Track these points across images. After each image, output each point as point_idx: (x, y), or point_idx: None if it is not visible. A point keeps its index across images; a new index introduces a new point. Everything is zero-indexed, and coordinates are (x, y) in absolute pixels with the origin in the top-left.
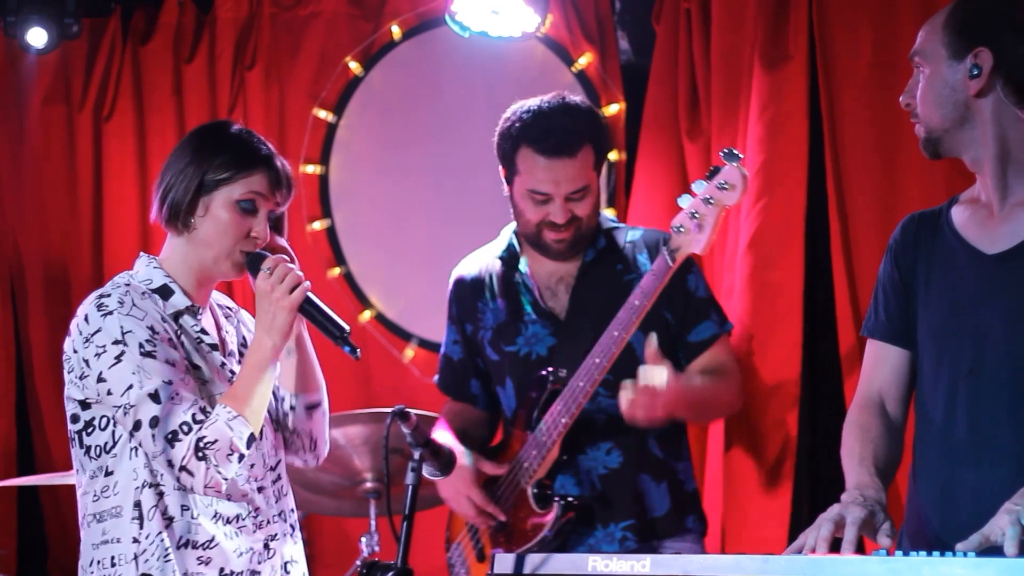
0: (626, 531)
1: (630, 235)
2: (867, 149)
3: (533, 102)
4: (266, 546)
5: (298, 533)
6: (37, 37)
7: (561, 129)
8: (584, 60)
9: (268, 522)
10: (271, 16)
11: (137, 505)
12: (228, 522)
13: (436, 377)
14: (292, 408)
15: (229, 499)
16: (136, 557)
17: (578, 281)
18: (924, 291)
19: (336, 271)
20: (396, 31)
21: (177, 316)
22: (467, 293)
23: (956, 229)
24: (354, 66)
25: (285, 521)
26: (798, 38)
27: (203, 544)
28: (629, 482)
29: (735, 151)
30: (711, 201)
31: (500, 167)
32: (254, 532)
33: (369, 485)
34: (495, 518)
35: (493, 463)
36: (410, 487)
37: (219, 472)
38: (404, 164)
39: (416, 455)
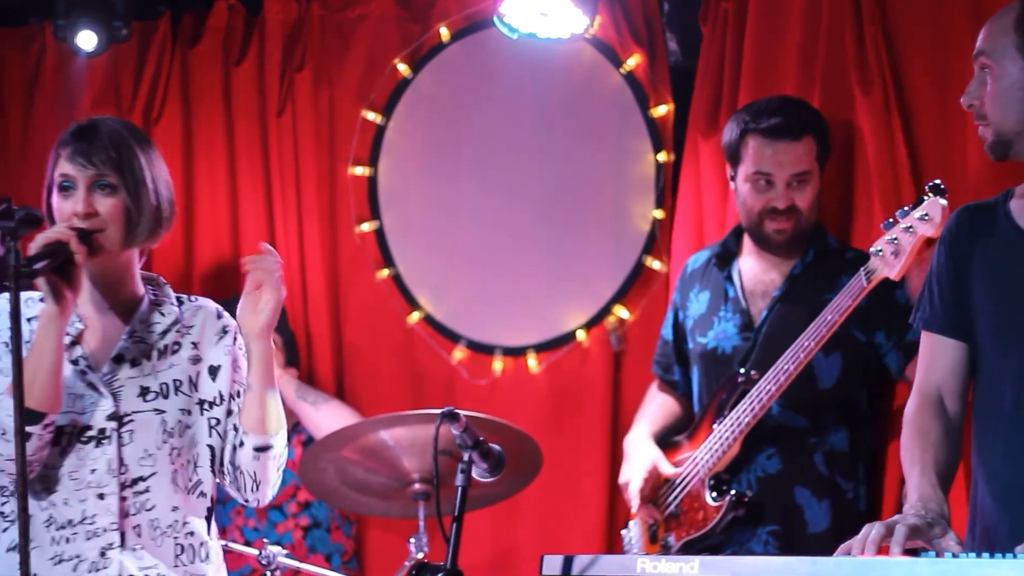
0: (770, 535)
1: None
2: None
3: (761, 99)
4: (103, 554)
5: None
6: (87, 40)
7: (786, 114)
8: (632, 61)
9: (105, 530)
10: (320, 18)
11: None
12: (60, 527)
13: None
14: (240, 444)
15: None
16: None
17: (781, 291)
18: (982, 283)
19: (385, 273)
20: (445, 33)
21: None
22: (687, 280)
23: (1016, 222)
24: (403, 68)
25: (139, 536)
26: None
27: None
28: (783, 490)
29: (940, 185)
30: (911, 230)
31: (727, 168)
32: (88, 539)
33: (418, 487)
34: (660, 510)
35: (670, 464)
36: (460, 488)
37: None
38: (453, 166)
39: (466, 456)
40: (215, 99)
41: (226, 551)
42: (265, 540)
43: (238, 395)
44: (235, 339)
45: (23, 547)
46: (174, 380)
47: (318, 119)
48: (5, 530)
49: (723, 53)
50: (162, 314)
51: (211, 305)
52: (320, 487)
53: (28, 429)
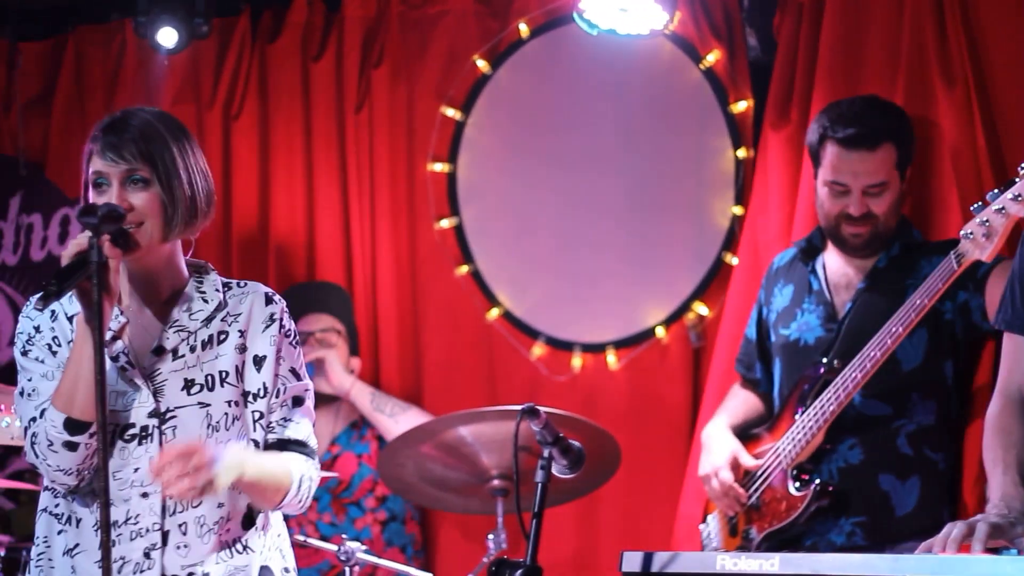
0: (856, 526)
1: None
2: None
3: (845, 99)
4: (147, 555)
5: (207, 549)
6: (167, 37)
7: (864, 123)
8: (712, 57)
9: (148, 531)
10: (399, 14)
11: (44, 509)
12: (77, 525)
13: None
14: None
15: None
16: (27, 562)
17: (865, 284)
18: None
19: (464, 269)
20: (524, 29)
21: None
22: (772, 276)
23: None
24: (482, 64)
25: (184, 534)
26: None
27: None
28: (867, 480)
29: None
30: (1003, 211)
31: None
32: (132, 540)
33: (496, 483)
34: (740, 501)
35: (751, 456)
36: (540, 485)
37: (48, 465)
38: (532, 162)
39: (546, 453)
40: (294, 95)
41: (303, 546)
42: (344, 536)
43: (278, 393)
44: (282, 326)
45: (105, 555)
46: (220, 371)
47: (396, 115)
48: (59, 532)
49: (796, 48)
50: (205, 301)
51: (261, 289)
52: (398, 483)
53: (74, 439)
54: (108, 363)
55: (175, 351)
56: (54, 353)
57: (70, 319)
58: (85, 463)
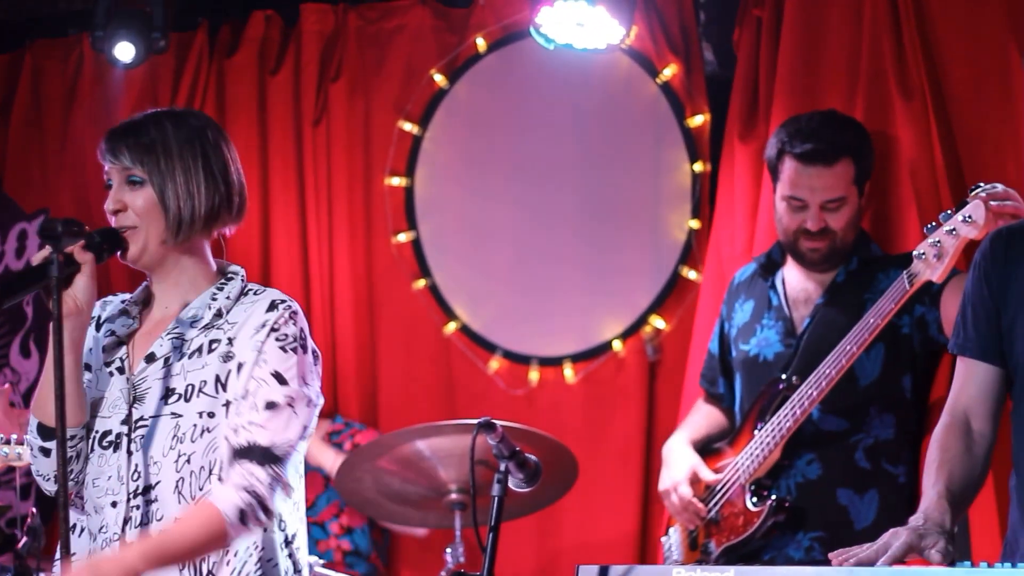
0: (814, 541)
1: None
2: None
3: (804, 114)
4: None
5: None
6: (125, 52)
7: (821, 139)
8: (669, 71)
9: (111, 542)
10: (356, 29)
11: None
12: (92, 537)
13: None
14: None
15: (83, 509)
16: None
17: (823, 299)
18: (1018, 308)
19: (421, 283)
20: (481, 44)
21: (114, 318)
22: (733, 292)
23: None
24: (439, 78)
25: None
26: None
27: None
28: (825, 495)
29: (984, 186)
30: (954, 232)
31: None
32: (103, 549)
33: (454, 496)
34: (699, 516)
35: (710, 471)
36: (496, 499)
37: (33, 470)
38: (489, 176)
39: (502, 467)
40: (251, 109)
41: None
42: None
43: (246, 395)
44: (273, 330)
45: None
46: (201, 381)
47: (354, 129)
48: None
49: (757, 62)
50: (210, 308)
51: (270, 296)
52: (357, 497)
53: (46, 444)
54: (103, 369)
55: (166, 359)
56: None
57: (100, 325)
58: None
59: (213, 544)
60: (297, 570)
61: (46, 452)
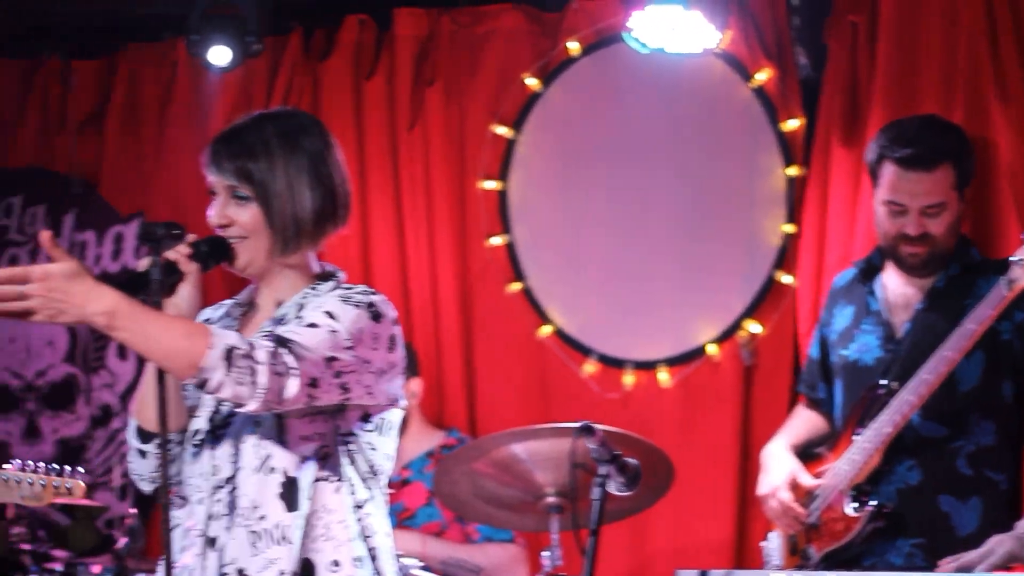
0: (915, 548)
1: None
2: None
3: (904, 119)
4: (199, 558)
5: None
6: (220, 56)
7: (921, 143)
8: (762, 76)
9: (197, 536)
10: (450, 33)
11: None
12: (185, 535)
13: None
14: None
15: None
16: None
17: (923, 304)
18: None
19: (515, 286)
20: (574, 47)
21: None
22: (833, 296)
23: None
24: (533, 82)
25: (223, 534)
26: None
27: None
28: (926, 501)
29: None
30: None
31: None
32: (191, 547)
33: (551, 500)
34: (799, 521)
35: (810, 476)
36: (597, 502)
37: (130, 467)
38: (583, 179)
39: (602, 470)
40: (346, 113)
41: None
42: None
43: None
44: (336, 291)
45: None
46: None
47: (448, 133)
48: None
49: (854, 67)
50: (295, 308)
51: (347, 287)
52: (453, 500)
53: (143, 447)
54: None
55: None
56: None
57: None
58: (157, 472)
59: (184, 350)
60: (367, 535)
61: (143, 454)
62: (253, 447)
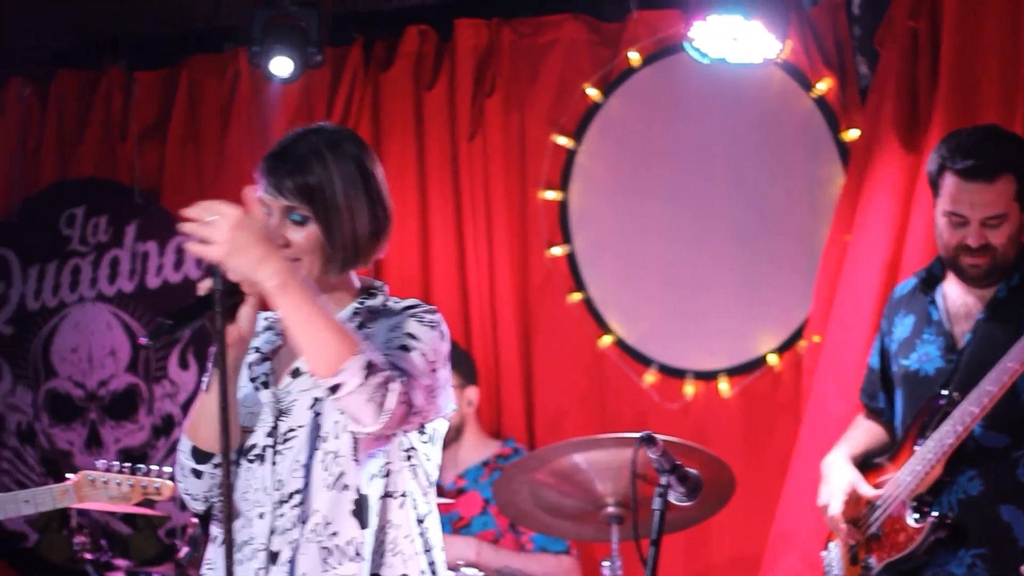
0: (976, 558)
1: None
2: None
3: (965, 129)
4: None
5: None
6: (281, 66)
7: (982, 154)
8: (823, 85)
9: (258, 552)
10: (510, 43)
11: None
12: (237, 549)
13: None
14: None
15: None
16: None
17: (984, 314)
18: None
19: (576, 296)
20: (635, 57)
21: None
22: (893, 306)
23: None
24: (593, 92)
25: (291, 550)
26: None
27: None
28: (987, 511)
29: None
30: None
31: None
32: (250, 560)
33: (611, 510)
34: (860, 532)
35: (870, 486)
36: (658, 512)
37: (180, 487)
38: (644, 189)
39: (663, 480)
40: (406, 124)
41: None
42: (459, 561)
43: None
44: (408, 312)
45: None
46: None
47: (508, 143)
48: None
49: (913, 74)
50: (351, 322)
51: (411, 302)
52: (514, 509)
53: (199, 467)
54: (248, 385)
55: (311, 372)
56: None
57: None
58: (212, 491)
59: (335, 344)
60: (428, 548)
61: (197, 474)
62: (323, 463)
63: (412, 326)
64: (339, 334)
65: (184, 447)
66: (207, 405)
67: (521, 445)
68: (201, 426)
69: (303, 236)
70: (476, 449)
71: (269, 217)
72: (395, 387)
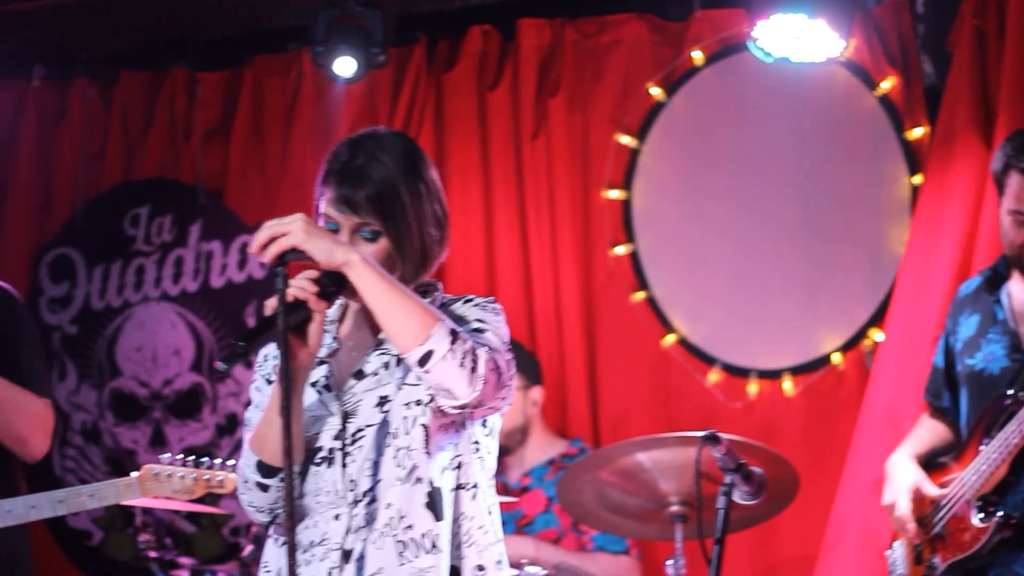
0: None
1: None
2: None
3: None
4: (329, 575)
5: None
6: (345, 66)
7: None
8: (887, 84)
9: (332, 551)
10: (574, 43)
11: (267, 532)
12: (304, 550)
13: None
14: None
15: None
16: None
17: None
18: None
19: (640, 296)
20: (698, 57)
21: None
22: (958, 305)
23: None
24: (656, 92)
25: (365, 547)
26: None
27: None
28: None
29: None
30: None
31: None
32: (321, 560)
33: (675, 509)
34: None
35: (934, 486)
36: (722, 511)
37: (243, 499)
38: (707, 189)
39: (727, 479)
40: (470, 123)
41: None
42: (523, 560)
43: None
44: (468, 302)
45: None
46: (405, 375)
47: (572, 143)
48: (275, 554)
49: (982, 73)
50: None
51: (464, 297)
52: (578, 508)
53: (265, 481)
54: (309, 390)
55: (375, 372)
56: (269, 383)
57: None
58: (277, 503)
59: (419, 314)
60: (500, 538)
61: (263, 487)
62: (394, 459)
63: (477, 312)
64: (421, 304)
65: (249, 461)
66: (273, 420)
67: (587, 445)
68: (267, 441)
69: (374, 251)
70: (542, 448)
71: (336, 234)
72: (482, 353)
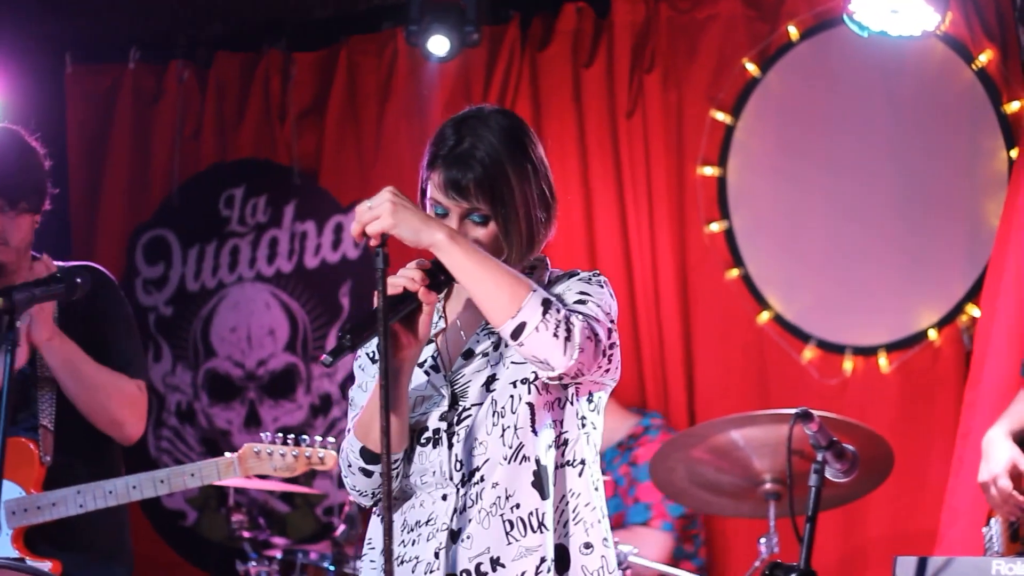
0: None
1: None
2: None
3: None
4: (436, 555)
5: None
6: (439, 45)
7: None
8: (984, 57)
9: (439, 531)
10: (668, 19)
11: (374, 511)
12: (409, 529)
13: None
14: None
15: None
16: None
17: None
18: None
19: (734, 272)
20: (793, 32)
21: None
22: None
23: None
24: (751, 68)
25: (471, 526)
26: None
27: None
28: None
29: None
30: None
31: None
32: (428, 540)
33: (768, 486)
34: (1020, 508)
35: None
36: (814, 489)
37: (347, 482)
38: (802, 165)
39: (820, 457)
40: (565, 101)
41: None
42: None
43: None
44: (578, 277)
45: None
46: (512, 357)
47: (667, 119)
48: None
49: None
50: None
51: (569, 272)
52: (670, 487)
53: (369, 467)
54: (416, 370)
55: (484, 352)
56: (373, 362)
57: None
58: (380, 488)
59: (510, 285)
60: (605, 514)
61: (367, 473)
62: (500, 438)
63: (581, 285)
64: (511, 275)
65: (353, 447)
66: (373, 408)
67: (657, 420)
68: (372, 430)
69: (484, 234)
70: (611, 431)
71: (444, 219)
72: (577, 320)
